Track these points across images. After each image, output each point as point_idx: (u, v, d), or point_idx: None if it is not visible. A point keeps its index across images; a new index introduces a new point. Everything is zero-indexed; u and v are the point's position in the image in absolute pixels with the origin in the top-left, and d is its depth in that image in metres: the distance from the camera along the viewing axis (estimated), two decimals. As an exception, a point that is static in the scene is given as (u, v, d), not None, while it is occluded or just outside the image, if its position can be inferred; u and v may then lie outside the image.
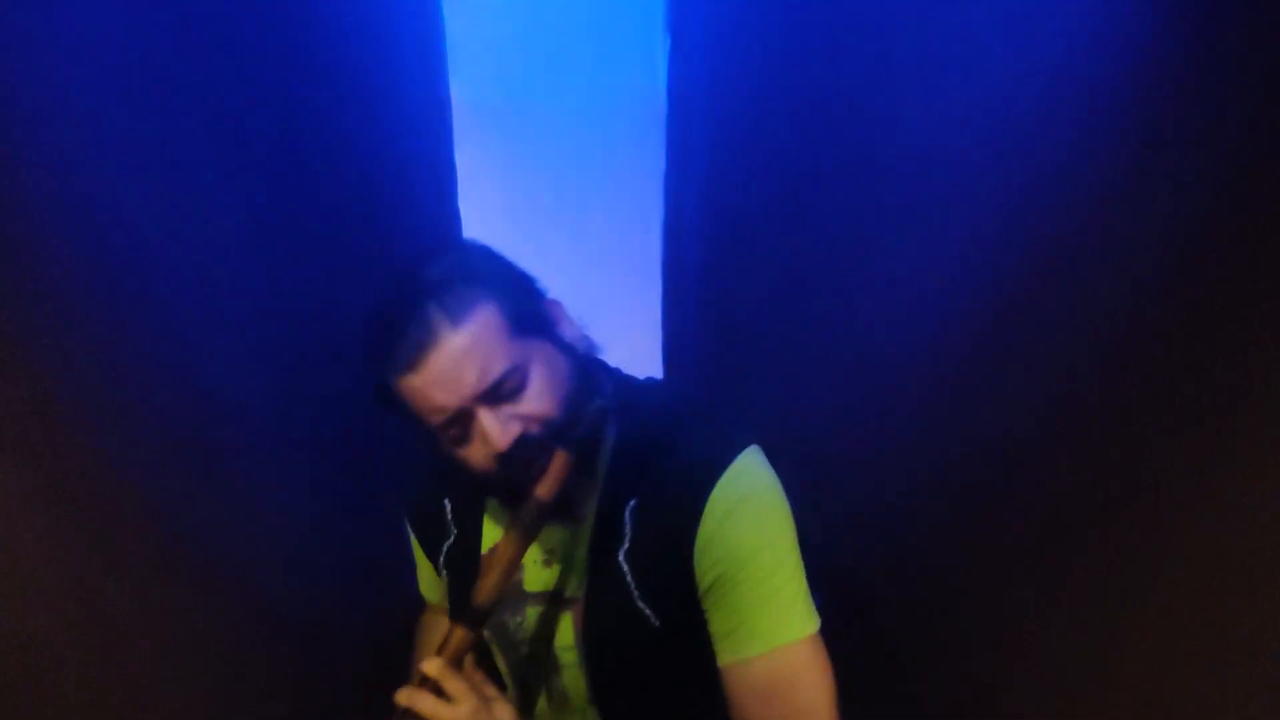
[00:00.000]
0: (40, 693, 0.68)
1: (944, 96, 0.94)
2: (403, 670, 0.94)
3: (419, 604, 1.00)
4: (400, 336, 0.66)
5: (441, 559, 0.85)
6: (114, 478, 0.71)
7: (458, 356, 0.66)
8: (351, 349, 1.19)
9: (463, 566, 0.83)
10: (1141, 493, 0.81)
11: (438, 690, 0.66)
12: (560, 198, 1.42)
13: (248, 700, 0.92)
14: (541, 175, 1.39)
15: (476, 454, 0.70)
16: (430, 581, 0.94)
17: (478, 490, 0.80)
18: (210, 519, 0.85)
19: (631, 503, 0.75)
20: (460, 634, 0.68)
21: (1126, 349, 0.79)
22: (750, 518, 0.73)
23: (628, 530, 0.75)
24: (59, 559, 0.67)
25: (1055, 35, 0.80)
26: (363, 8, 1.05)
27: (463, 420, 0.68)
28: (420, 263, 0.70)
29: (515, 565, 0.69)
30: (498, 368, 0.67)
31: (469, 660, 0.70)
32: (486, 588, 0.68)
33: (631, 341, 1.47)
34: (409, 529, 0.90)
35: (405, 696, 0.66)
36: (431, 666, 0.66)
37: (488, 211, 1.37)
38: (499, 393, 0.67)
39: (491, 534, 0.83)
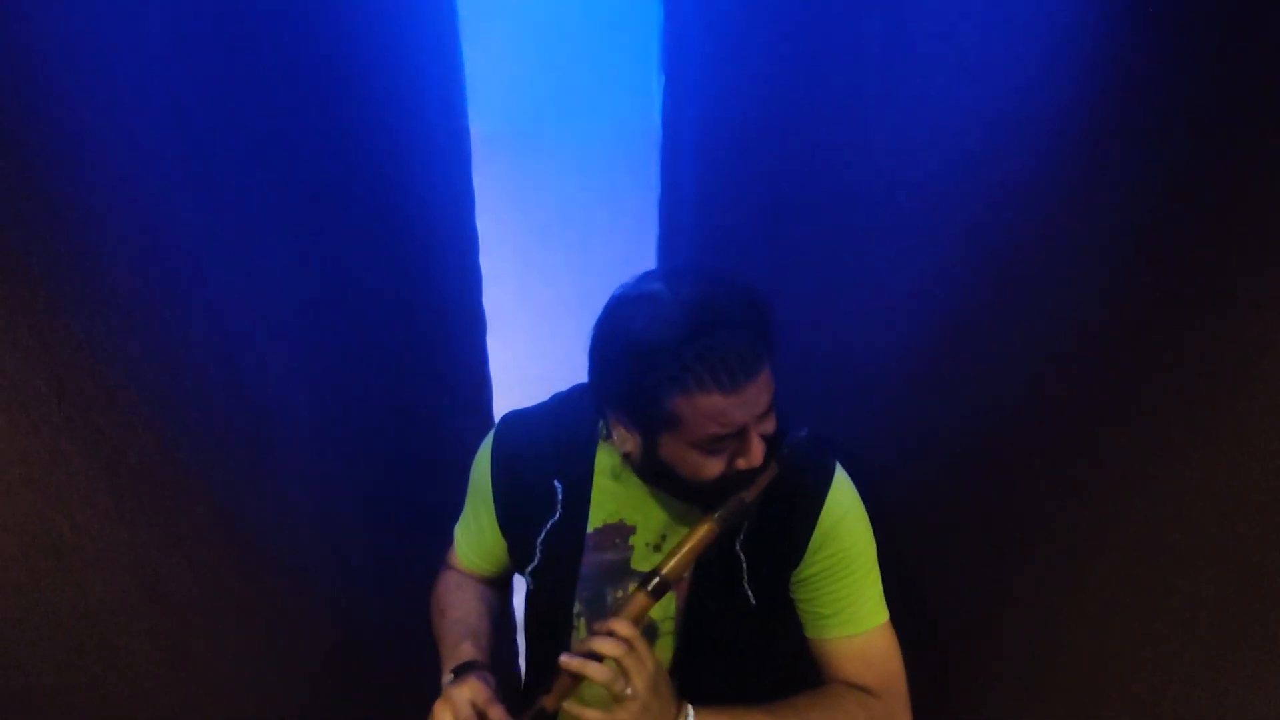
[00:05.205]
0: (105, 655, 0.70)
1: (909, 126, 0.96)
2: (424, 635, 0.95)
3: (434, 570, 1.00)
4: (723, 363, 0.66)
5: (541, 536, 0.85)
6: (172, 464, 0.73)
7: (762, 387, 0.69)
8: (378, 352, 1.19)
9: (563, 544, 0.85)
10: (1087, 484, 0.82)
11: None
12: (566, 218, 1.44)
13: (286, 661, 0.94)
14: (549, 199, 1.42)
15: (718, 465, 0.72)
16: (484, 551, 0.93)
17: (673, 493, 0.81)
18: (256, 501, 0.86)
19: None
20: (642, 600, 0.71)
21: (1073, 353, 0.81)
22: (856, 522, 0.83)
23: (745, 523, 0.80)
24: (122, 536, 0.68)
25: (1010, 71, 0.82)
26: (391, 50, 1.07)
27: (736, 437, 0.71)
28: (712, 286, 0.69)
29: (703, 549, 0.72)
30: (770, 395, 0.72)
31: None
32: (674, 565, 0.71)
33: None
34: (492, 504, 0.89)
35: (610, 647, 0.67)
36: (624, 628, 0.69)
37: (501, 230, 1.40)
38: (766, 416, 0.72)
39: (598, 517, 0.84)
